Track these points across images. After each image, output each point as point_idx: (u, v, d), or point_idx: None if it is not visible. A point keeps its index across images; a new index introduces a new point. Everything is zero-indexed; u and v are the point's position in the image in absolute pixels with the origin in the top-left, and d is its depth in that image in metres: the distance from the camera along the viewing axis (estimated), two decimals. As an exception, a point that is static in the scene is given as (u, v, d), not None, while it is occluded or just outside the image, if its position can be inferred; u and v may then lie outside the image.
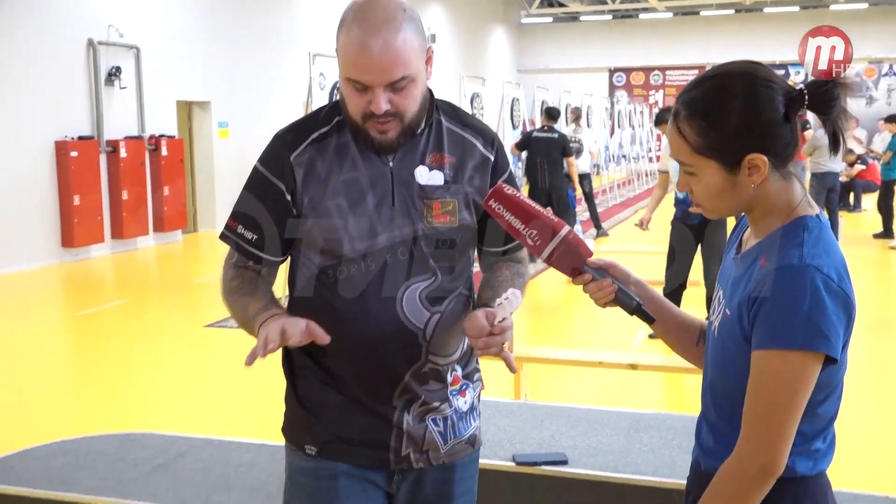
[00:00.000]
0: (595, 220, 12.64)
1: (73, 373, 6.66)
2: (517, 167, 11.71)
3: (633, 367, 4.55)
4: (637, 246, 10.52)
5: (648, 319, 1.64)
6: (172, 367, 6.57)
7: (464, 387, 1.88)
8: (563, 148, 10.14)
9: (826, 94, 1.47)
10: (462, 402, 1.88)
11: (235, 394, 5.67)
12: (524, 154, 10.48)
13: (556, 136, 10.16)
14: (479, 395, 1.97)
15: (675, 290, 6.33)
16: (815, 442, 1.51)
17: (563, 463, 2.97)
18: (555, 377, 5.84)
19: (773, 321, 1.41)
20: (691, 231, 6.37)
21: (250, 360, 1.60)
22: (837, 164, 11.64)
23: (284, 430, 1.90)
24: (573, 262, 1.63)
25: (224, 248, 1.89)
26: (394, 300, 1.75)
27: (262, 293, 1.81)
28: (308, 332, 1.67)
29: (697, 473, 1.62)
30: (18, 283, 9.97)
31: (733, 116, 1.47)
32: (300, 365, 1.84)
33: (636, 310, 1.62)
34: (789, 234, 1.48)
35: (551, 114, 10.50)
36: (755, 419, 1.44)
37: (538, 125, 11.34)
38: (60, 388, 6.13)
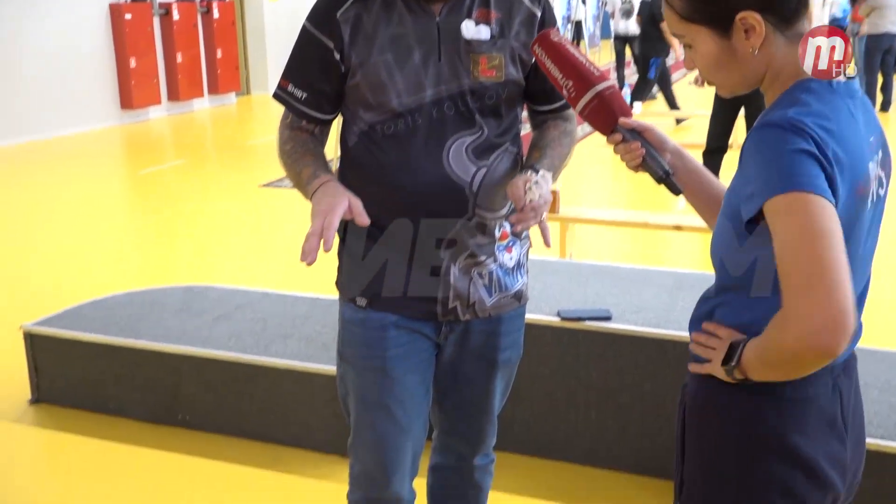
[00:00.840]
0: None
1: (137, 229, 6.89)
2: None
3: (678, 228, 4.57)
4: (685, 110, 10.30)
5: (675, 190, 1.55)
6: (230, 225, 6.76)
7: (511, 243, 1.91)
8: (653, 14, 9.41)
9: None
10: (508, 258, 1.91)
11: (290, 250, 5.83)
12: None
13: None
14: (528, 252, 2.00)
15: (715, 152, 6.27)
16: None
17: (607, 319, 3.02)
18: (600, 238, 5.89)
19: (756, 180, 1.27)
20: None
21: (308, 258, 1.63)
22: (895, 25, 11.17)
23: (338, 283, 1.97)
24: (607, 119, 1.56)
25: (278, 110, 1.95)
26: (440, 154, 1.78)
27: (312, 157, 1.85)
28: (348, 211, 1.71)
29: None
30: (82, 143, 10.20)
31: None
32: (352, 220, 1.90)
33: (663, 179, 1.54)
34: (788, 96, 1.33)
35: None
36: (795, 275, 1.21)
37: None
38: (126, 244, 6.37)
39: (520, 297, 1.98)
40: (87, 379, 3.55)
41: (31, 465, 3.29)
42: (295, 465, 3.15)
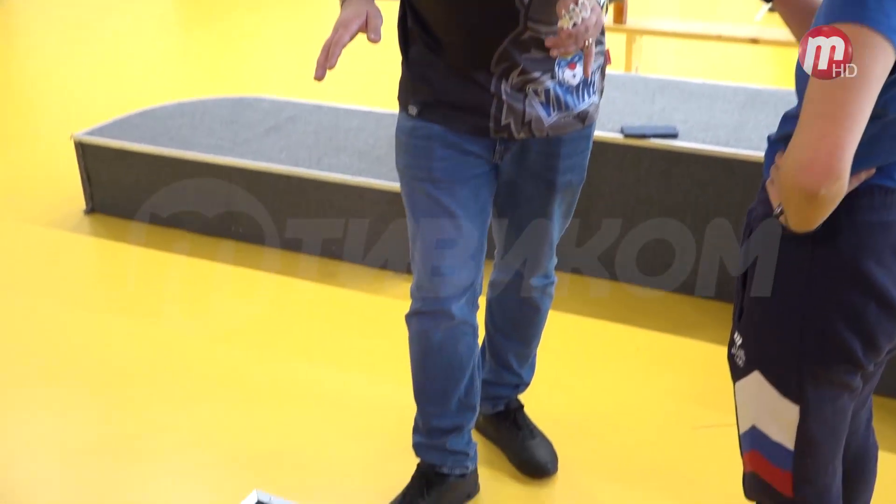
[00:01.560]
0: None
1: (184, 40, 6.79)
2: None
3: (755, 41, 4.31)
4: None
5: None
6: (278, 35, 6.62)
7: (575, 59, 1.78)
8: None
9: None
10: (570, 76, 1.79)
11: (341, 62, 5.70)
12: None
13: None
14: (602, 69, 1.87)
15: None
16: None
17: (673, 136, 2.90)
18: (668, 52, 5.63)
19: (826, 4, 1.20)
20: None
21: (316, 72, 1.56)
22: None
23: (398, 93, 1.91)
24: None
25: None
26: None
27: None
28: (364, 26, 1.60)
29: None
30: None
31: None
32: (411, 28, 1.81)
33: None
34: None
35: None
36: (811, 104, 1.19)
37: None
38: (173, 54, 6.29)
39: (584, 118, 1.86)
40: (140, 190, 3.54)
41: (87, 273, 3.34)
42: (348, 279, 3.15)
